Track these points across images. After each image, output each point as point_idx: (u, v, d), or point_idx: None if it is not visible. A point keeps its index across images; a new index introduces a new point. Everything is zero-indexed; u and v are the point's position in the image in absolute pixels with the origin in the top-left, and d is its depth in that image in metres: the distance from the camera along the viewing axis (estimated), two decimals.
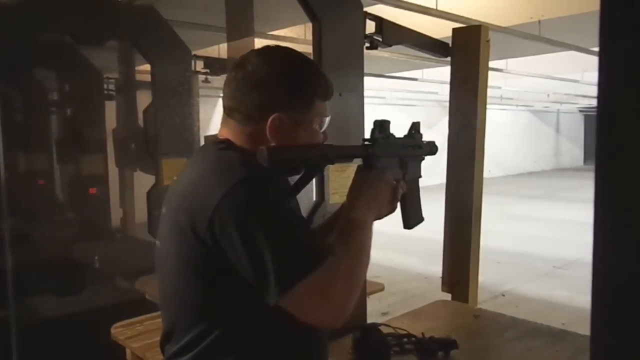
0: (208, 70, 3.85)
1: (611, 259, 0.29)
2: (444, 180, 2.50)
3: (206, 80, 4.08)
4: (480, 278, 2.51)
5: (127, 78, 3.91)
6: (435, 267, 2.67)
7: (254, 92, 1.02)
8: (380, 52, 4.01)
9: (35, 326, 2.86)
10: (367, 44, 2.04)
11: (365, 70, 2.02)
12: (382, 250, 6.41)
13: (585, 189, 10.89)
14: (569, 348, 1.70)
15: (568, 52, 5.29)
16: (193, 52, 3.33)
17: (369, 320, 1.84)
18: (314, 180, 1.86)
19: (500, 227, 7.94)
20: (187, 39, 2.99)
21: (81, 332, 2.57)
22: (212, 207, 0.92)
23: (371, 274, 2.55)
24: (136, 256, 3.33)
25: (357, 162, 1.14)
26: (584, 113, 20.02)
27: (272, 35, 4.22)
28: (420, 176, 1.29)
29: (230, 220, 0.91)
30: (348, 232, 1.01)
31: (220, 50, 4.40)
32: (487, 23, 2.97)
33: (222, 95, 1.09)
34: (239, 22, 2.44)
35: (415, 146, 1.25)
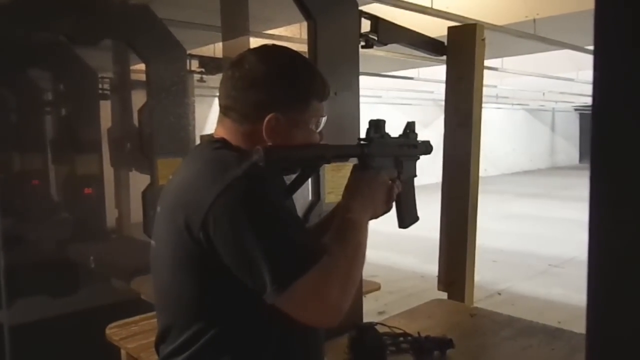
0: (203, 70, 3.85)
1: (606, 258, 0.29)
2: (440, 180, 2.50)
3: (201, 80, 4.08)
4: (477, 277, 2.51)
5: (121, 77, 3.89)
6: (431, 266, 2.67)
7: (251, 91, 1.02)
8: (376, 51, 4.01)
9: (29, 327, 2.84)
10: (362, 43, 2.04)
11: (361, 69, 2.01)
12: (379, 249, 6.41)
13: (580, 187, 10.93)
14: (564, 346, 1.70)
15: (563, 50, 5.31)
16: (188, 52, 3.33)
17: (366, 320, 1.84)
18: (309, 179, 1.86)
19: (496, 225, 7.96)
20: (182, 38, 2.98)
21: (76, 332, 2.56)
22: (206, 206, 0.92)
23: (367, 273, 2.55)
24: (131, 256, 3.32)
25: (353, 161, 1.14)
26: (580, 112, 20.09)
27: (267, 34, 4.21)
28: (416, 175, 1.29)
29: (224, 220, 0.91)
30: (343, 232, 1.00)
31: (216, 49, 4.39)
32: (482, 22, 2.97)
33: (217, 94, 1.09)
34: (234, 21, 2.43)
35: (410, 146, 1.25)
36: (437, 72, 6.66)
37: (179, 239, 0.96)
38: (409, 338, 1.69)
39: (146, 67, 2.86)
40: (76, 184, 3.77)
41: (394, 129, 1.24)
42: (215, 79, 4.03)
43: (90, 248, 3.48)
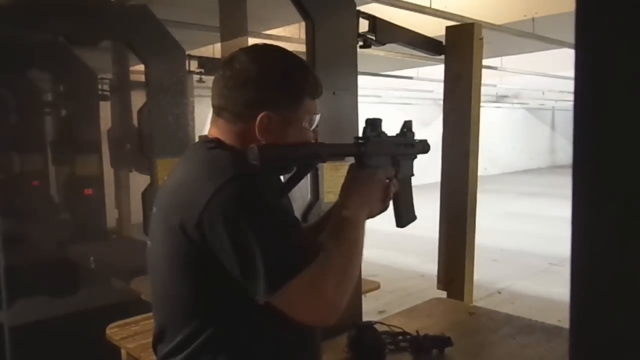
0: (202, 70, 3.84)
1: (588, 257, 0.29)
2: (440, 179, 2.51)
3: (200, 80, 4.07)
4: (476, 276, 2.52)
5: (121, 78, 3.90)
6: (431, 265, 2.67)
7: (243, 90, 1.02)
8: (375, 51, 4.02)
9: (29, 327, 2.85)
10: (360, 43, 2.04)
11: (361, 69, 2.02)
12: (379, 248, 6.42)
13: None
14: (563, 344, 1.70)
15: (562, 49, 5.31)
16: (187, 52, 3.32)
17: (366, 319, 1.84)
18: (308, 178, 1.87)
19: (496, 224, 7.96)
20: (181, 39, 2.98)
21: (76, 332, 2.56)
22: (201, 206, 0.92)
23: (368, 272, 2.56)
24: (132, 256, 3.32)
25: (351, 160, 1.15)
26: None
27: (266, 34, 4.22)
28: (413, 174, 1.29)
29: (219, 219, 0.91)
30: (340, 230, 1.00)
31: (215, 50, 4.40)
32: (481, 21, 2.97)
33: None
34: (233, 22, 2.44)
35: (407, 145, 1.25)
36: (436, 71, 6.67)
37: (175, 239, 0.97)
38: (408, 337, 1.69)
39: (145, 67, 2.86)
40: (76, 185, 3.77)
41: (394, 129, 1.25)
42: None
43: (90, 248, 3.49)
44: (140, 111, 2.99)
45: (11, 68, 3.24)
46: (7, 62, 3.06)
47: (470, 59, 2.37)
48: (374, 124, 1.13)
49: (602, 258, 0.29)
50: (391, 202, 1.17)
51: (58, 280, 3.26)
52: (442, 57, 2.49)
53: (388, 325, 1.74)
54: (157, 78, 2.84)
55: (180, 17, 3.38)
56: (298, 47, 2.61)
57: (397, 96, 12.01)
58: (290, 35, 4.28)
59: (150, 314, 1.13)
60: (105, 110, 3.97)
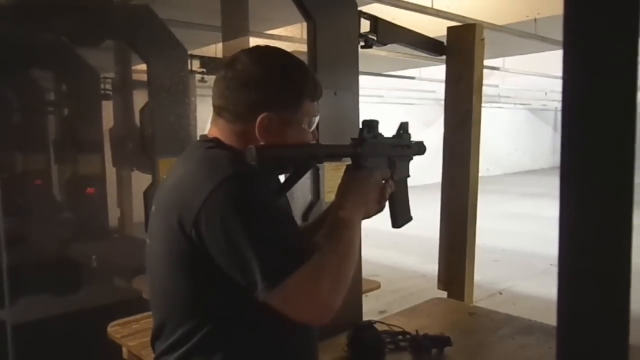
0: (204, 70, 3.86)
1: (575, 258, 0.30)
2: (441, 179, 2.51)
3: (202, 80, 4.09)
4: (478, 276, 2.51)
5: (123, 78, 3.91)
6: (432, 265, 2.67)
7: (244, 91, 1.03)
8: (377, 51, 4.02)
9: (31, 325, 2.86)
10: (361, 43, 2.05)
11: (363, 69, 2.02)
12: (380, 248, 6.42)
13: None
14: None
15: None
16: (189, 52, 3.33)
17: (367, 319, 1.85)
18: (310, 178, 1.87)
19: (498, 225, 7.96)
20: (183, 39, 2.99)
21: (78, 330, 2.57)
22: (198, 205, 0.93)
23: (368, 272, 2.57)
24: (133, 255, 3.33)
25: (348, 161, 1.15)
26: None
27: (268, 34, 4.22)
28: (409, 176, 1.29)
29: (215, 218, 0.92)
30: (335, 231, 1.01)
31: (217, 49, 4.40)
32: (483, 22, 2.98)
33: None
34: (234, 22, 2.44)
35: (403, 146, 1.26)
36: (438, 71, 6.66)
37: (172, 237, 0.98)
38: (408, 336, 1.70)
39: (147, 67, 2.87)
40: (78, 184, 3.79)
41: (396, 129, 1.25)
42: None
43: (92, 247, 3.50)
44: (142, 110, 3.00)
45: (14, 67, 3.26)
46: (10, 62, 3.08)
47: (472, 59, 2.37)
48: (370, 125, 1.14)
49: (589, 258, 0.30)
50: (387, 203, 1.18)
51: (60, 278, 3.27)
52: (444, 57, 2.49)
53: (388, 325, 1.75)
54: (159, 77, 2.85)
55: (182, 16, 3.39)
56: (300, 47, 2.62)
57: (399, 96, 12.00)
58: (292, 35, 4.29)
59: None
60: (108, 110, 3.98)
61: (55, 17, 2.73)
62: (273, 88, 1.04)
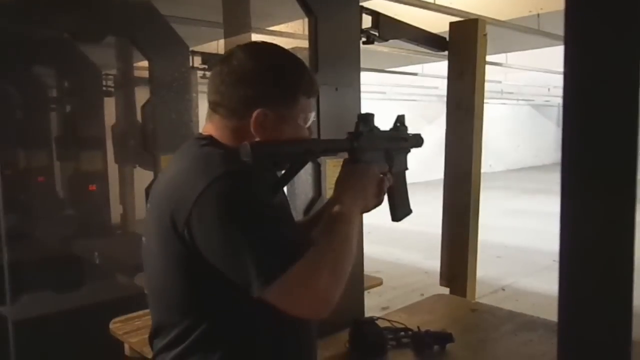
0: (206, 66, 3.85)
1: (577, 254, 0.29)
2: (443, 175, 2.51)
3: (204, 76, 4.07)
4: (481, 272, 2.51)
5: (125, 74, 3.91)
6: (435, 261, 2.67)
7: (239, 87, 1.03)
8: (379, 47, 4.00)
9: (33, 321, 2.87)
10: (363, 39, 2.04)
11: (365, 65, 2.01)
12: (382, 244, 6.42)
13: None
14: None
15: None
16: (191, 48, 3.33)
17: (369, 315, 1.85)
18: (311, 175, 1.87)
19: (501, 221, 7.94)
20: (185, 35, 2.98)
21: (80, 327, 2.58)
22: (190, 203, 0.92)
23: (371, 268, 2.56)
24: (135, 252, 3.33)
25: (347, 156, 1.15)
26: None
27: (269, 30, 4.21)
28: (407, 168, 1.29)
29: (208, 216, 0.92)
30: (332, 225, 1.01)
31: (218, 46, 4.39)
32: (486, 17, 2.96)
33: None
34: (236, 18, 2.44)
35: (400, 138, 1.25)
36: (441, 67, 6.65)
37: (166, 235, 0.97)
38: (409, 332, 1.70)
39: (149, 64, 2.87)
40: (81, 181, 3.79)
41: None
42: None
43: (94, 244, 3.50)
44: (144, 107, 3.00)
45: (16, 64, 3.26)
46: (12, 59, 3.07)
47: (474, 55, 2.37)
48: (366, 119, 1.13)
49: (590, 254, 0.29)
50: (386, 197, 1.17)
51: (62, 275, 3.28)
52: (446, 53, 2.49)
53: (389, 321, 1.75)
54: (161, 74, 2.85)
55: (184, 13, 3.38)
56: (301, 43, 2.61)
57: (401, 92, 11.97)
58: (293, 32, 4.28)
59: None
60: (110, 107, 3.99)
61: (57, 13, 2.73)
62: (268, 84, 1.03)
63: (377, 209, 1.16)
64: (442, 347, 1.64)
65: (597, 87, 0.29)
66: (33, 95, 3.68)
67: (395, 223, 1.28)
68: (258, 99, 1.02)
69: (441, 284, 2.52)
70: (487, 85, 2.52)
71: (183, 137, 2.88)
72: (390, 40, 2.25)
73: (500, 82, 9.69)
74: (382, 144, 1.18)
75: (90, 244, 3.51)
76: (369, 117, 1.14)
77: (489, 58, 2.51)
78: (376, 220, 1.10)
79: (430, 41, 2.48)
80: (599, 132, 0.29)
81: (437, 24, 3.08)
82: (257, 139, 1.02)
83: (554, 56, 6.99)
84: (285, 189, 1.15)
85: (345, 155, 1.13)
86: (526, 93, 13.63)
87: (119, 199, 4.03)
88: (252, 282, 0.90)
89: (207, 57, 3.81)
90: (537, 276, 5.59)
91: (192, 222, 0.92)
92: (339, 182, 1.09)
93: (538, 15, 4.31)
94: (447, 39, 2.45)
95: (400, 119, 1.26)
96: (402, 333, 1.70)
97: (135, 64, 3.83)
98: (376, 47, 2.38)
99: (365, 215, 1.20)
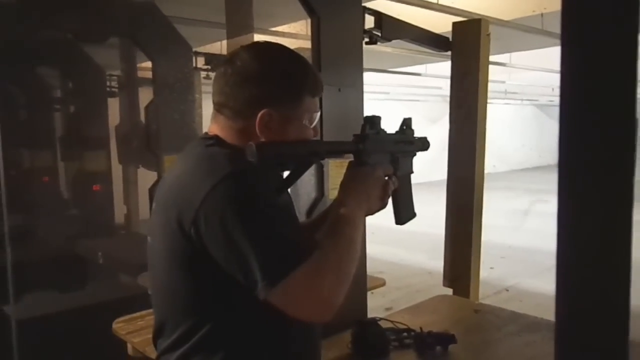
0: (209, 67, 3.86)
1: (575, 254, 0.29)
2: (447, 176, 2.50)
3: (207, 77, 4.08)
4: (484, 273, 2.50)
5: (129, 75, 3.92)
6: (439, 262, 2.66)
7: (244, 88, 1.02)
8: (382, 47, 4.00)
9: (36, 321, 2.88)
10: (366, 39, 2.04)
11: (368, 66, 2.01)
12: (386, 245, 6.41)
13: None
14: None
15: None
16: (194, 49, 3.34)
17: (372, 316, 1.85)
18: (314, 176, 1.87)
19: (504, 222, 7.93)
20: (188, 36, 2.99)
21: (83, 327, 2.58)
22: (197, 203, 0.92)
23: (374, 269, 2.56)
24: (139, 252, 3.34)
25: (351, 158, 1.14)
26: None
27: (272, 31, 4.22)
28: (412, 172, 1.28)
29: (214, 216, 0.91)
30: (337, 227, 1.00)
31: (222, 46, 4.40)
32: (489, 17, 2.95)
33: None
34: (239, 19, 2.44)
35: (406, 142, 1.25)
36: (444, 68, 6.63)
37: (172, 235, 0.97)
38: (412, 333, 1.69)
39: (152, 64, 2.88)
40: (85, 181, 3.81)
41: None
42: None
43: (98, 244, 3.52)
44: (147, 108, 3.01)
45: (20, 65, 3.27)
46: (16, 59, 3.09)
47: (477, 55, 2.36)
48: (372, 122, 1.13)
49: (588, 254, 0.29)
50: (390, 200, 1.17)
51: (66, 275, 3.29)
52: (449, 53, 2.48)
53: (392, 322, 1.74)
54: (164, 75, 2.85)
55: (187, 13, 3.39)
56: (304, 44, 2.61)
57: (405, 93, 11.95)
58: (296, 32, 4.28)
59: None
60: (113, 107, 4.00)
61: (60, 14, 2.74)
62: (273, 84, 1.03)
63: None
64: (445, 348, 1.63)
65: (594, 87, 0.29)
66: (37, 96, 3.70)
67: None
68: (263, 100, 1.02)
69: (444, 285, 2.51)
70: (490, 86, 2.52)
71: (186, 137, 2.88)
72: (393, 41, 2.25)
73: (504, 82, 9.66)
74: (388, 147, 1.18)
75: (94, 244, 3.53)
76: (376, 119, 1.13)
77: (492, 58, 2.51)
78: (379, 220, 1.09)
79: (433, 41, 2.47)
80: (597, 131, 0.29)
81: (440, 23, 3.07)
82: (262, 140, 1.02)
83: (558, 56, 6.96)
84: (289, 189, 1.15)
85: (351, 156, 1.13)
86: (530, 93, 13.59)
87: (122, 199, 4.04)
88: (256, 284, 0.90)
89: (210, 58, 3.82)
90: (541, 277, 5.57)
91: (199, 222, 0.92)
92: (344, 185, 1.09)
93: (542, 15, 4.30)
94: (450, 39, 2.44)
95: (406, 122, 1.25)
96: (405, 334, 1.70)
97: (138, 65, 3.84)
98: (379, 47, 2.38)
99: (369, 216, 1.19)
